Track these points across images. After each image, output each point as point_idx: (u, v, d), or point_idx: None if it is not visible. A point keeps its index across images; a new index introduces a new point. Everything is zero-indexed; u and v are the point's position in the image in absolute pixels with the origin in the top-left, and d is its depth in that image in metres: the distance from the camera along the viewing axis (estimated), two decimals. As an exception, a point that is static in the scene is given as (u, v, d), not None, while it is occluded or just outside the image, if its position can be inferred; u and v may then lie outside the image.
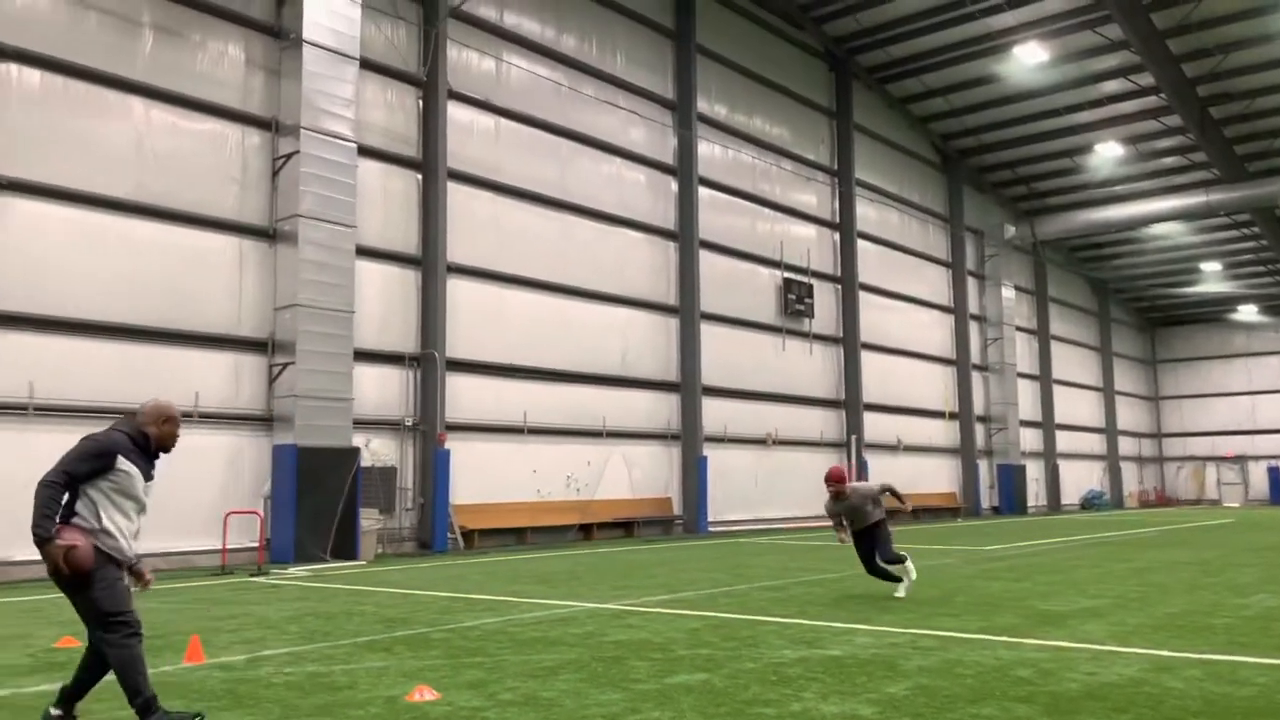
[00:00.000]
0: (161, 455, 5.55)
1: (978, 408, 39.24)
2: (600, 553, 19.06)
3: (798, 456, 30.05)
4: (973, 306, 39.75)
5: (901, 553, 11.15)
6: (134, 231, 16.35)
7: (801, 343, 30.59)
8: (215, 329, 17.21)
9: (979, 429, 39.27)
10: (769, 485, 28.86)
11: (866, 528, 11.02)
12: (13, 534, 14.64)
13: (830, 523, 11.35)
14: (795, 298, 30.06)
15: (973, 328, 39.49)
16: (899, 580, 11.04)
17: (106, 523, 5.18)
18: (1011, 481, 39.94)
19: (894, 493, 11.41)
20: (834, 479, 10.92)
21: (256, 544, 16.80)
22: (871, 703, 5.99)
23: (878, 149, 35.16)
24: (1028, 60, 30.76)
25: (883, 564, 11.07)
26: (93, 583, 5.10)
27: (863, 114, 34.05)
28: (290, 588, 13.04)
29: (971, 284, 39.83)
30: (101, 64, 16.18)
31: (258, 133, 18.14)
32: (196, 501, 16.72)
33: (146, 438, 5.42)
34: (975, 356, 39.51)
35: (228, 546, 16.08)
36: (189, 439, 16.69)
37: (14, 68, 15.27)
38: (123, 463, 5.24)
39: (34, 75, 15.47)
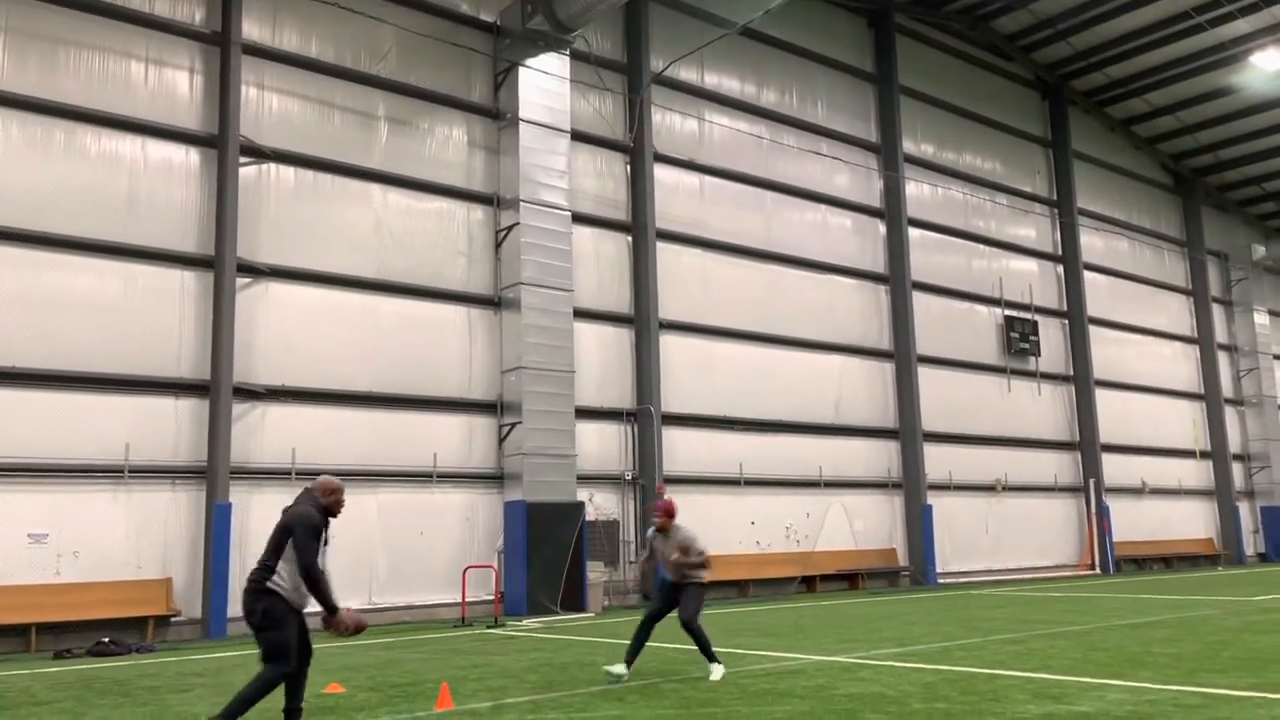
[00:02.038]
0: (331, 521, 6.69)
1: (1233, 445, 35.86)
2: (824, 605, 18.71)
3: (1031, 503, 28.46)
4: (1220, 336, 36.57)
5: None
6: (378, 307, 17.78)
7: (1028, 382, 29.13)
8: (450, 394, 18.35)
9: (1236, 469, 35.86)
10: (1000, 534, 27.46)
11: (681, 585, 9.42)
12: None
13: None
14: (1018, 335, 28.73)
15: (1222, 358, 36.31)
16: (713, 662, 9.36)
17: (300, 583, 6.40)
18: (1279, 525, 36.12)
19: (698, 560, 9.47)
20: (661, 510, 9.65)
21: (492, 597, 17.63)
22: (1130, 763, 5.60)
23: (1100, 175, 33.30)
24: (1268, 68, 28.41)
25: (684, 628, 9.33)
26: (284, 626, 6.35)
27: (1082, 140, 32.42)
28: (525, 639, 13.57)
29: (1218, 311, 36.72)
30: (345, 156, 17.84)
31: (481, 208, 19.38)
32: (437, 556, 17.76)
33: (326, 508, 6.62)
34: (1227, 390, 36.24)
35: (466, 599, 16.94)
36: (431, 498, 17.88)
37: (274, 167, 17.10)
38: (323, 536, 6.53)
39: (289, 172, 17.26)
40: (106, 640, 13.46)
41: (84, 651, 13.25)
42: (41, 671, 11.30)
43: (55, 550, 14.44)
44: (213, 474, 15.51)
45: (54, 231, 14.96)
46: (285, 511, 6.54)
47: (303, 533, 6.36)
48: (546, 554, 17.88)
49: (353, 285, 17.58)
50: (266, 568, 6.38)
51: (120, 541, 14.96)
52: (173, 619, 15.10)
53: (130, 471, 15.09)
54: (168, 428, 15.53)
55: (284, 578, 6.35)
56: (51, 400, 14.63)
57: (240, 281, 16.26)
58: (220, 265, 16.01)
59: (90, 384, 14.95)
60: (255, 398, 16.27)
